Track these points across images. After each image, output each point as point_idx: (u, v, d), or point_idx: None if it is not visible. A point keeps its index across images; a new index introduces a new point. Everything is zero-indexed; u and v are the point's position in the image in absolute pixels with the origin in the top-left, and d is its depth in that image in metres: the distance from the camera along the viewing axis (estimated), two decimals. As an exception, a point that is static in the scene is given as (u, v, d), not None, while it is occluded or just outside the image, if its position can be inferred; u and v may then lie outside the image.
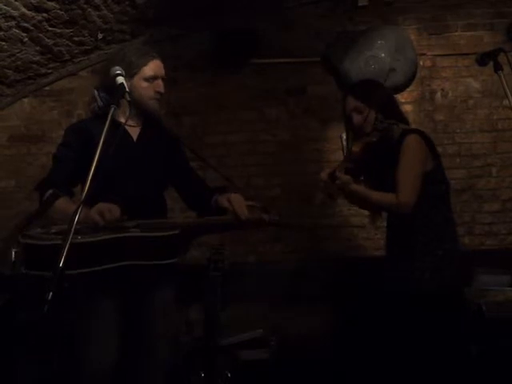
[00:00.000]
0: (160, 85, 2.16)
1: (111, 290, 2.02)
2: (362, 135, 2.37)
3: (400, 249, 2.36)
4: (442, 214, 2.33)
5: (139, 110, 2.13)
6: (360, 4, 3.72)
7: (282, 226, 2.56)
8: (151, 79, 2.13)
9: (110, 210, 1.88)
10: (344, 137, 3.76)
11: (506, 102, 2.16)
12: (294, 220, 3.52)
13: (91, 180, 1.64)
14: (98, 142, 1.70)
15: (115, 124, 1.91)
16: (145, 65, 2.12)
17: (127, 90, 1.89)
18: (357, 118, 2.36)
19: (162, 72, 2.18)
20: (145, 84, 2.11)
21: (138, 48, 2.21)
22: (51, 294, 1.41)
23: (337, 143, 3.82)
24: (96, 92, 2.14)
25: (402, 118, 2.43)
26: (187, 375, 2.98)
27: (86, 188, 1.63)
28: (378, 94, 2.35)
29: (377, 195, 2.30)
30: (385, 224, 3.38)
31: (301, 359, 3.25)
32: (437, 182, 2.32)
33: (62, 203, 1.94)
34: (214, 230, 2.39)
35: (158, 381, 2.19)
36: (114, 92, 1.92)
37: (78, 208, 1.58)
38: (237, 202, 2.09)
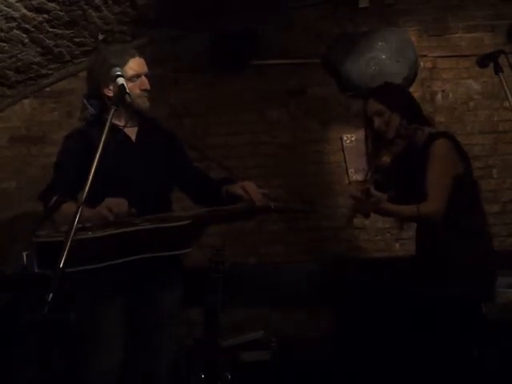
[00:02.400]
0: (144, 82, 2.13)
1: (119, 289, 2.02)
2: (385, 140, 2.32)
3: (429, 252, 2.32)
4: (473, 217, 2.29)
5: (131, 110, 2.12)
6: (361, 5, 3.72)
7: (286, 211, 2.55)
8: (134, 78, 2.11)
9: (117, 204, 1.88)
10: (345, 138, 3.79)
11: (506, 104, 2.16)
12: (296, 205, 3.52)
13: (91, 182, 1.64)
14: (98, 147, 1.70)
15: (113, 127, 1.92)
16: (125, 65, 2.08)
17: (127, 91, 1.89)
18: (378, 122, 2.31)
19: (144, 69, 2.15)
20: (129, 84, 2.04)
21: (116, 49, 2.20)
22: (51, 294, 1.41)
23: (337, 144, 3.83)
24: (85, 100, 2.13)
25: (425, 120, 2.38)
26: (187, 376, 2.97)
27: (86, 190, 1.64)
28: (401, 98, 2.30)
29: (407, 210, 2.25)
30: (386, 226, 3.38)
31: (301, 361, 3.25)
32: (467, 185, 2.28)
33: (68, 207, 1.91)
34: (224, 219, 2.39)
35: (162, 381, 2.19)
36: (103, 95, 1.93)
37: (78, 208, 1.59)
38: (252, 190, 2.09)
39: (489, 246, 2.33)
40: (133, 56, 2.12)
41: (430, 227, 2.31)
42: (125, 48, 2.20)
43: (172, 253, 1.97)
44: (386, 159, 2.30)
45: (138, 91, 2.11)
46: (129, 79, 2.07)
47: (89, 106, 2.12)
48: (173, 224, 1.96)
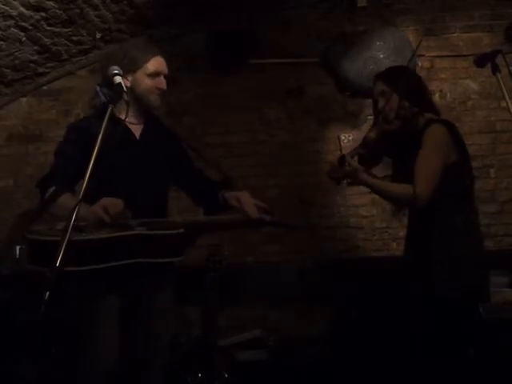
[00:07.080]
0: (162, 82, 2.18)
1: (115, 289, 2.02)
2: (384, 121, 2.28)
3: (418, 248, 2.28)
4: (463, 210, 2.21)
5: (140, 106, 2.16)
6: (359, 5, 3.71)
7: (281, 226, 2.56)
8: (153, 75, 2.14)
9: (113, 204, 1.87)
10: (342, 138, 3.79)
11: (504, 104, 2.15)
12: (292, 220, 3.51)
13: (89, 178, 1.64)
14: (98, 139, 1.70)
15: (116, 121, 1.94)
16: (147, 61, 2.13)
17: (125, 89, 1.89)
18: (382, 103, 2.29)
19: (164, 69, 2.19)
20: (147, 80, 2.13)
21: (140, 44, 2.23)
22: (48, 294, 1.40)
23: (335, 144, 3.83)
24: (98, 88, 2.14)
25: (430, 106, 2.35)
26: (185, 375, 2.97)
27: (84, 185, 1.64)
28: (406, 80, 2.22)
29: (389, 186, 2.23)
30: (383, 225, 3.37)
31: (299, 360, 3.25)
32: (459, 175, 2.22)
33: (65, 199, 1.92)
34: (219, 228, 2.40)
35: (156, 380, 2.19)
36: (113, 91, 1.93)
37: (75, 206, 1.58)
38: (246, 202, 2.10)
39: (476, 244, 2.25)
40: (156, 54, 2.17)
41: (420, 222, 2.26)
42: (150, 45, 2.24)
43: (164, 260, 1.98)
44: (370, 135, 2.27)
45: (154, 89, 2.15)
46: (148, 75, 2.13)
47: (101, 95, 2.12)
48: (166, 232, 1.96)
